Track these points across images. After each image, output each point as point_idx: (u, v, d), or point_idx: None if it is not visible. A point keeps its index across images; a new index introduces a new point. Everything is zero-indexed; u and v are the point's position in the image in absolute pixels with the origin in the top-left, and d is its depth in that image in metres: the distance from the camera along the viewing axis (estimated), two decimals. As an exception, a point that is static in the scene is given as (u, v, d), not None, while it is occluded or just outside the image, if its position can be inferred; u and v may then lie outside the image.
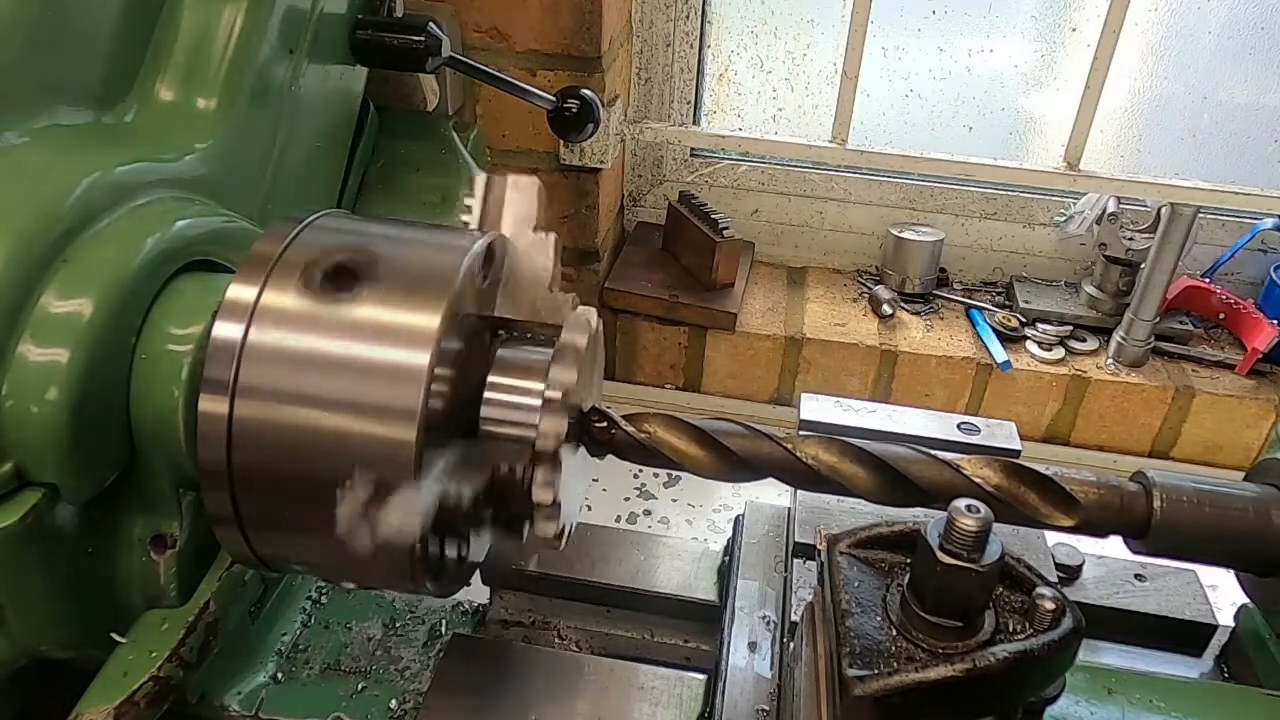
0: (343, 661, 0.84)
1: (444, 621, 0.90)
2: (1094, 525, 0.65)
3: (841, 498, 0.67)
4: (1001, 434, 0.91)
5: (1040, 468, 0.65)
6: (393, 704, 0.81)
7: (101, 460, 0.66)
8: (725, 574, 0.91)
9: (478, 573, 0.85)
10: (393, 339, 0.58)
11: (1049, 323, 1.78)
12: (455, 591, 0.71)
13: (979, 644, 0.54)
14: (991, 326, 1.78)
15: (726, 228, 1.74)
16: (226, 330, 0.59)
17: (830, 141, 1.74)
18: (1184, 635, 0.86)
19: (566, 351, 0.62)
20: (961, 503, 0.53)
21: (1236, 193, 1.62)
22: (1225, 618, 0.87)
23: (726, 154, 1.93)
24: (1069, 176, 1.68)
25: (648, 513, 1.58)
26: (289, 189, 0.97)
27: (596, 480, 1.62)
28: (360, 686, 0.82)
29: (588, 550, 0.93)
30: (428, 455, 0.57)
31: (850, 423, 0.91)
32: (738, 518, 0.96)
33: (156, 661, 0.66)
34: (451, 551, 0.66)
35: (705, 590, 0.91)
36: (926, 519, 0.55)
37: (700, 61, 1.84)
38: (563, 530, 0.64)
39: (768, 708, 0.76)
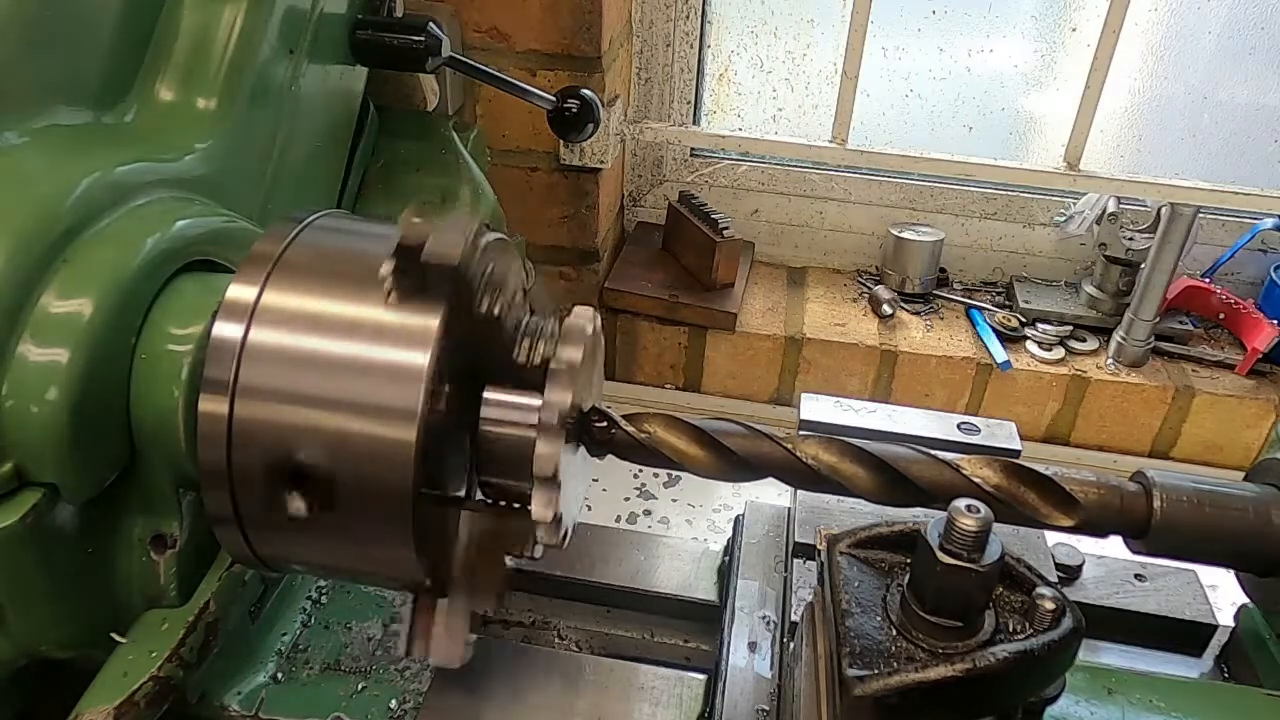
0: (343, 661, 0.84)
1: (444, 621, 0.90)
2: (1094, 525, 0.65)
3: (841, 498, 0.67)
4: (1001, 434, 0.91)
5: (1040, 468, 0.65)
6: (393, 704, 0.81)
7: (101, 460, 0.66)
8: (725, 574, 0.91)
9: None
10: (393, 339, 0.58)
11: (1049, 323, 1.78)
12: (455, 591, 0.71)
13: (979, 644, 0.54)
14: (991, 326, 1.78)
15: (726, 228, 1.74)
16: (226, 330, 0.59)
17: (830, 141, 1.74)
18: (1184, 635, 0.86)
19: (562, 371, 0.61)
20: (961, 503, 0.53)
21: (1236, 193, 1.62)
22: (1225, 618, 0.87)
23: (726, 154, 1.93)
24: (1069, 176, 1.69)
25: (648, 513, 1.58)
26: (289, 189, 0.97)
27: (596, 480, 1.62)
28: (360, 686, 0.82)
29: (588, 550, 0.93)
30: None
31: (850, 423, 0.91)
32: (738, 518, 0.96)
33: (156, 661, 0.66)
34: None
35: (705, 590, 0.91)
36: (926, 519, 0.55)
37: (700, 61, 1.84)
38: (563, 525, 0.64)
39: (768, 708, 0.76)
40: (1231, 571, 0.76)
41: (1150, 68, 1.71)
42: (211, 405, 0.58)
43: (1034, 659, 0.53)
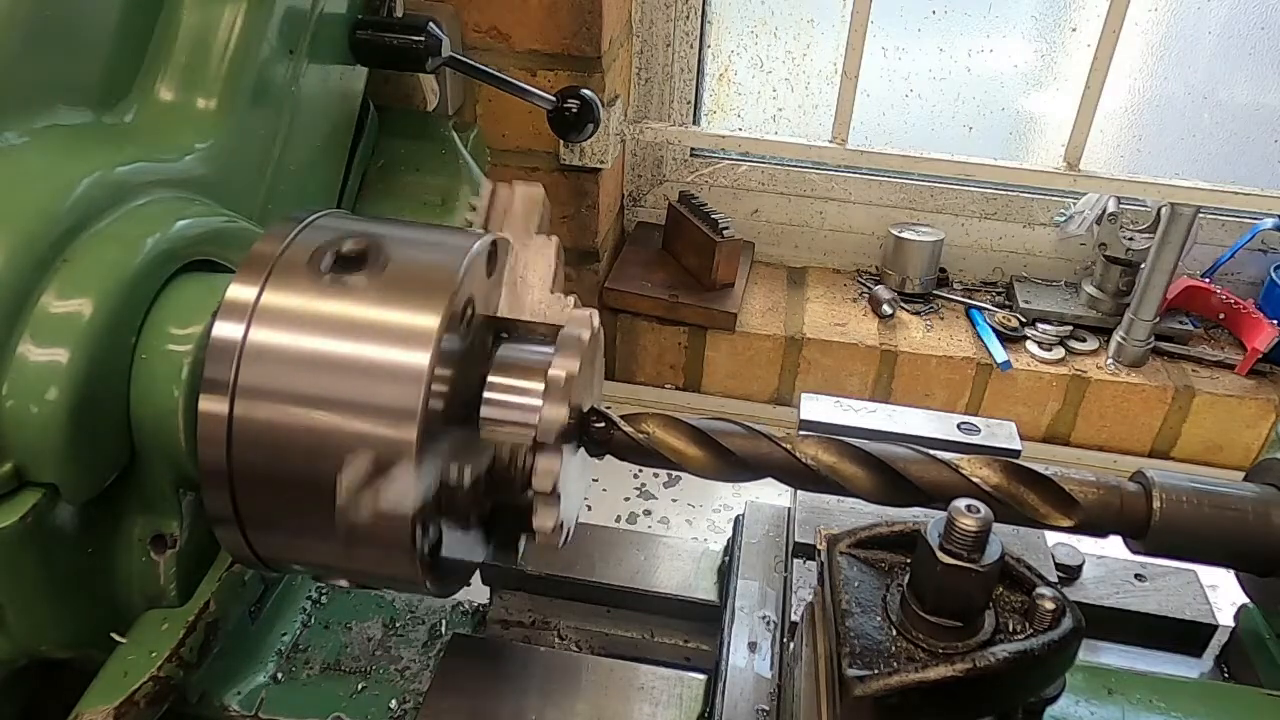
0: (343, 661, 0.84)
1: (444, 621, 0.90)
2: (1093, 525, 0.65)
3: (841, 498, 0.67)
4: (1001, 434, 0.91)
5: (1040, 468, 0.65)
6: (393, 704, 0.81)
7: (101, 460, 0.66)
8: (725, 574, 0.91)
9: (478, 573, 0.85)
10: (393, 338, 0.58)
11: (1049, 323, 1.78)
12: (455, 591, 0.71)
13: (979, 644, 0.54)
14: (991, 326, 1.78)
15: (726, 228, 1.74)
16: (226, 330, 0.59)
17: (830, 141, 1.74)
18: (1184, 635, 0.86)
19: (569, 342, 0.62)
20: (961, 503, 0.53)
21: (1236, 193, 1.62)
22: (1225, 618, 0.87)
23: (726, 154, 1.93)
24: (1069, 176, 1.69)
25: (648, 513, 1.58)
26: (289, 189, 0.97)
27: (596, 480, 1.62)
28: (360, 686, 0.82)
29: (588, 550, 0.93)
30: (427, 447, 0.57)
31: (850, 423, 0.91)
32: (738, 518, 0.96)
33: (156, 661, 0.66)
34: (452, 550, 0.66)
35: (705, 590, 0.91)
36: (926, 519, 0.55)
37: (700, 61, 1.84)
38: (563, 528, 0.64)
39: (768, 708, 0.76)
40: (1231, 571, 0.76)
41: (1150, 68, 1.71)
42: (211, 405, 0.58)
43: (1034, 659, 0.53)
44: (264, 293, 0.59)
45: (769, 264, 1.97)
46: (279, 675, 0.83)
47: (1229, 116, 1.72)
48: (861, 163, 1.75)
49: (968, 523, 0.52)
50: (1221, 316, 1.78)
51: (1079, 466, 0.69)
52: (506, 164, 1.67)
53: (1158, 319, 1.68)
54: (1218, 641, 0.86)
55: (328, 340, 0.58)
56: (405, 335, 0.58)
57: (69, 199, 0.65)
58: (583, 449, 0.68)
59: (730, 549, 0.93)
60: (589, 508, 1.56)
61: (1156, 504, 0.65)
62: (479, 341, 0.65)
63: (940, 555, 0.53)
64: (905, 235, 1.83)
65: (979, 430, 0.91)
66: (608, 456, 0.69)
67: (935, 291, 1.87)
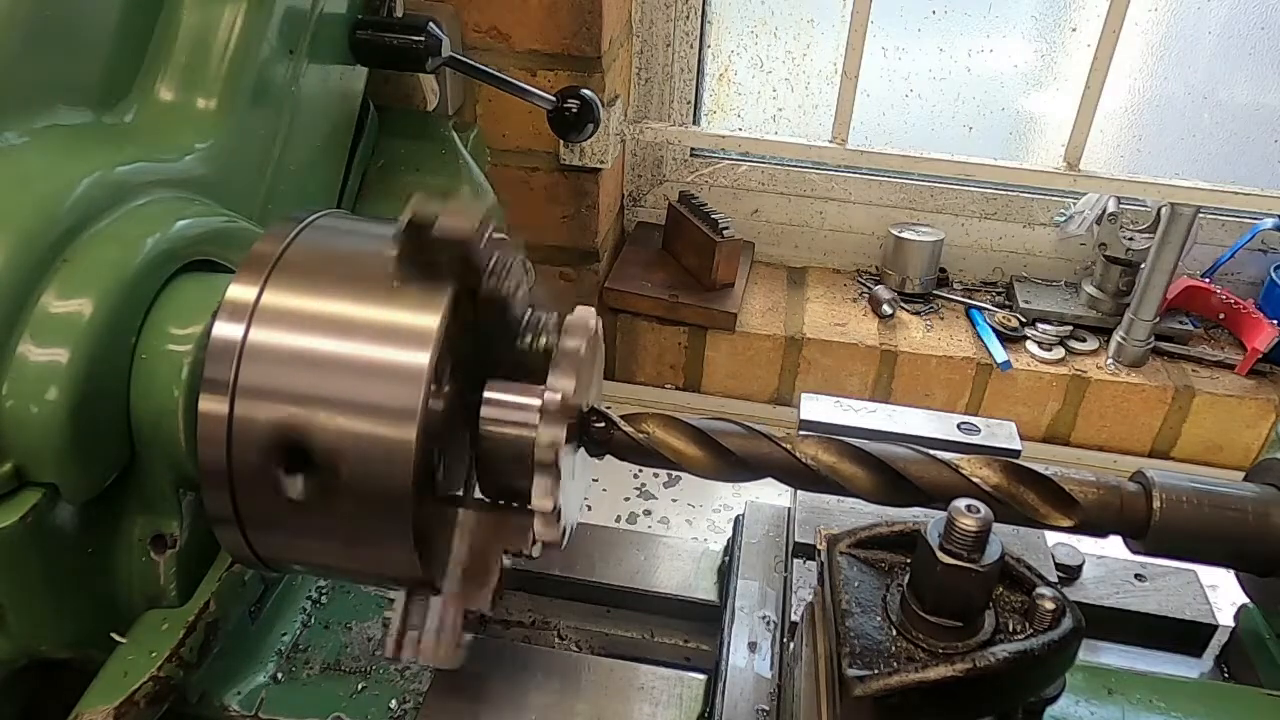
0: (343, 661, 0.84)
1: (444, 621, 0.90)
2: (1093, 525, 0.65)
3: (841, 498, 0.67)
4: (1001, 434, 0.91)
5: (1040, 468, 0.65)
6: (393, 704, 0.81)
7: (101, 460, 0.66)
8: (725, 574, 0.91)
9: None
10: (393, 339, 0.58)
11: (1049, 323, 1.78)
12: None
13: (979, 644, 0.54)
14: (991, 326, 1.78)
15: (726, 228, 1.74)
16: (226, 330, 0.59)
17: (830, 141, 1.74)
18: (1184, 635, 0.86)
19: (565, 359, 0.62)
20: (961, 503, 0.53)
21: (1236, 193, 1.62)
22: (1225, 618, 0.87)
23: (726, 154, 1.93)
24: (1069, 176, 1.69)
25: (648, 513, 1.58)
26: (289, 189, 0.97)
27: (596, 480, 1.62)
28: (360, 686, 0.82)
29: (588, 550, 0.93)
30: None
31: (850, 423, 0.91)
32: (738, 518, 0.96)
33: (156, 661, 0.66)
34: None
35: (705, 590, 0.91)
36: (926, 519, 0.55)
37: (700, 61, 1.84)
38: (563, 531, 0.64)
39: (768, 708, 0.76)
40: (1231, 571, 0.76)
41: (1150, 68, 1.71)
42: (211, 405, 0.58)
43: (1034, 659, 0.53)
44: (264, 293, 0.59)
45: (769, 264, 1.97)
46: (279, 675, 0.83)
47: (1229, 116, 1.72)
48: (861, 163, 1.75)
49: (968, 523, 0.52)
50: (1221, 316, 1.78)
51: (1079, 466, 0.69)
52: (506, 164, 1.67)
53: (1158, 319, 1.68)
54: (1218, 641, 0.86)
55: (328, 340, 0.58)
56: (406, 335, 0.58)
57: (69, 199, 0.65)
58: (583, 449, 0.68)
59: (730, 549, 0.93)
60: (589, 508, 1.56)
61: (1156, 504, 0.65)
62: (480, 341, 0.65)
63: (940, 555, 0.53)
64: (905, 235, 1.83)
65: (979, 430, 0.91)
66: (608, 456, 0.69)
67: (935, 291, 1.87)
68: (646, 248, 1.91)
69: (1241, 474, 0.76)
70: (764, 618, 0.84)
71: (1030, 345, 1.76)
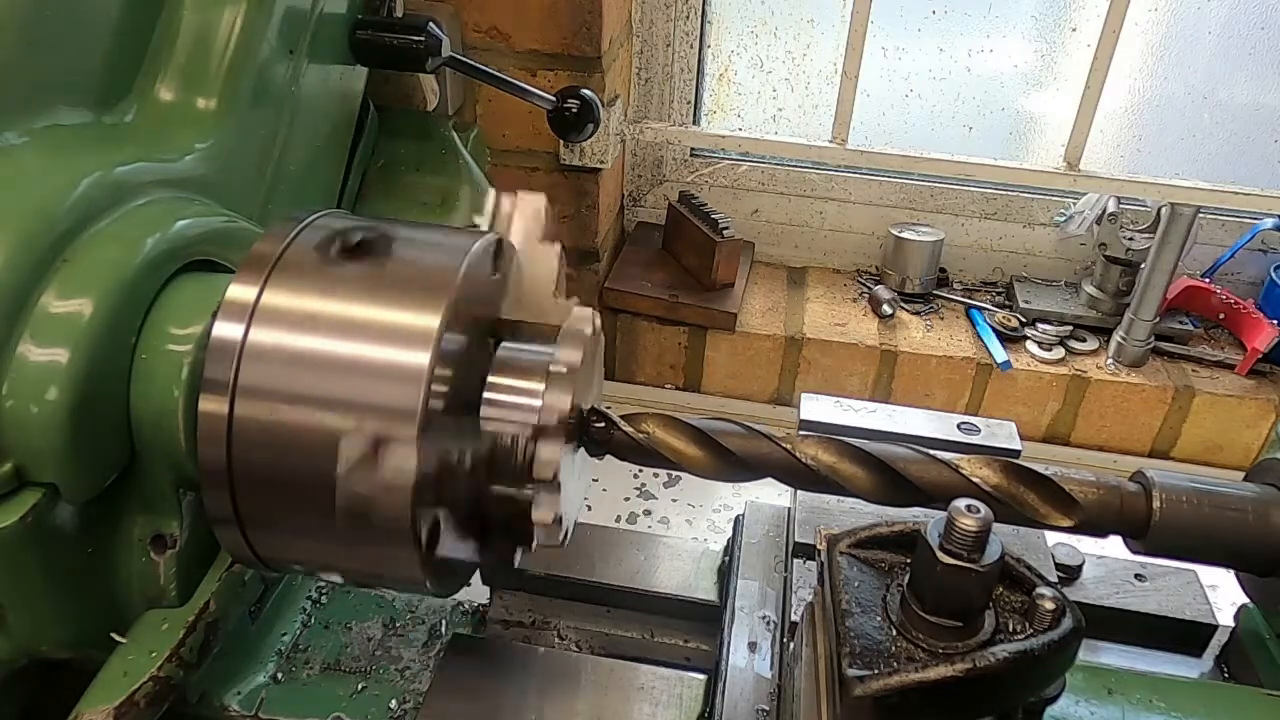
0: (343, 661, 0.85)
1: (444, 621, 0.90)
2: (1093, 525, 0.65)
3: (841, 498, 0.67)
4: (1001, 434, 0.91)
5: (1040, 468, 0.65)
6: (393, 704, 0.81)
7: (101, 460, 0.66)
8: (725, 574, 0.91)
9: (478, 573, 0.85)
10: (393, 338, 0.58)
11: (1049, 323, 1.78)
12: (455, 591, 0.71)
13: (979, 644, 0.54)
14: (991, 326, 1.78)
15: (726, 228, 1.74)
16: (226, 330, 0.59)
17: (830, 141, 1.74)
18: (1184, 635, 0.86)
19: (573, 334, 0.62)
20: (961, 503, 0.53)
21: (1236, 193, 1.62)
22: (1225, 618, 0.87)
23: (726, 154, 1.93)
24: (1069, 176, 1.69)
25: (648, 513, 1.58)
26: (289, 189, 0.97)
27: (596, 480, 1.62)
28: (360, 686, 0.82)
29: (588, 550, 0.93)
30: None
31: (850, 423, 0.91)
32: (738, 518, 0.96)
33: (156, 661, 0.66)
34: (451, 550, 0.66)
35: (705, 590, 0.91)
36: (926, 519, 0.55)
37: (700, 61, 1.84)
38: (563, 529, 0.64)
39: (768, 708, 0.76)
40: (1231, 571, 0.76)
41: (1150, 68, 1.71)
42: (211, 405, 0.58)
43: (1034, 659, 0.53)
44: (264, 293, 0.59)
45: (769, 264, 1.97)
46: (279, 675, 0.83)
47: (1229, 116, 1.72)
48: (861, 163, 1.75)
49: (968, 523, 0.52)
50: (1221, 316, 1.78)
51: (1079, 466, 0.69)
52: (506, 164, 1.67)
53: (1158, 319, 1.68)
54: (1218, 641, 0.86)
55: (328, 340, 0.58)
56: (405, 334, 0.58)
57: (69, 199, 0.65)
58: (583, 449, 0.68)
59: (730, 549, 0.93)
60: (589, 508, 1.56)
61: (1156, 504, 0.65)
62: (480, 340, 0.65)
63: (940, 555, 0.53)
64: (905, 235, 1.83)
65: (979, 430, 0.91)
66: (608, 456, 0.69)
67: (935, 291, 1.87)
68: (646, 248, 1.91)
69: (1241, 474, 0.76)
70: (764, 618, 0.84)
71: (1030, 345, 1.76)
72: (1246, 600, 0.81)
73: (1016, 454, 0.86)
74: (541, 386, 0.62)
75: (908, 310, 1.83)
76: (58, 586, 0.66)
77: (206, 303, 0.66)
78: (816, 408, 0.93)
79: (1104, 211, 1.73)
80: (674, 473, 1.29)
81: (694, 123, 1.90)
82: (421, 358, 0.57)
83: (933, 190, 1.88)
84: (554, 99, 1.30)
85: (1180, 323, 1.77)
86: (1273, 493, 0.68)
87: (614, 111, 1.65)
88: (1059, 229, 1.84)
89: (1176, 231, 1.58)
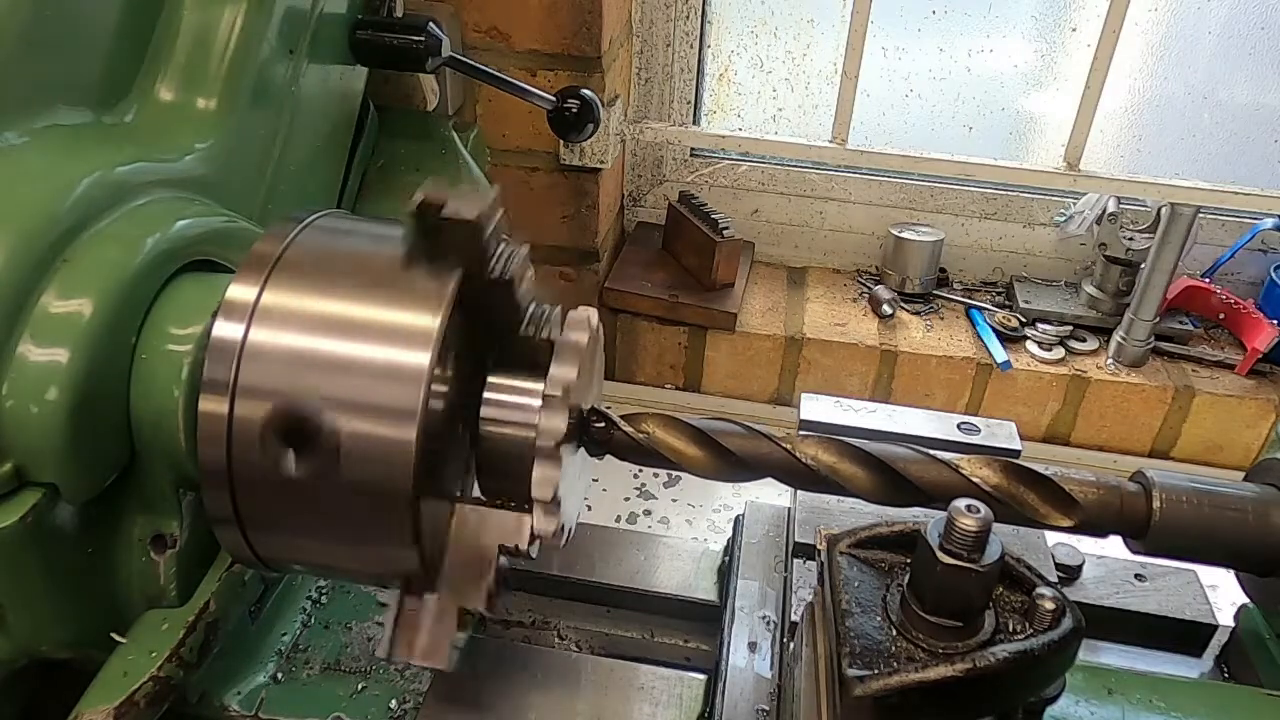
0: (343, 661, 0.84)
1: (444, 621, 0.90)
2: (1093, 525, 0.65)
3: (841, 498, 0.67)
4: (1001, 434, 0.91)
5: (1040, 468, 0.65)
6: (393, 704, 0.81)
7: (101, 460, 0.66)
8: (725, 574, 0.91)
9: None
10: (393, 339, 0.58)
11: (1049, 323, 1.78)
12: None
13: (979, 644, 0.54)
14: (991, 326, 1.78)
15: (726, 228, 1.74)
16: (226, 330, 0.59)
17: (830, 141, 1.74)
18: (1184, 635, 0.86)
19: (567, 350, 0.62)
20: (961, 503, 0.53)
21: (1236, 193, 1.62)
22: (1225, 618, 0.87)
23: (726, 154, 1.93)
24: (1069, 176, 1.69)
25: (648, 513, 1.58)
26: (289, 189, 0.97)
27: (596, 480, 1.62)
28: (360, 686, 0.82)
29: (588, 550, 0.93)
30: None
31: (850, 423, 0.91)
32: (738, 518, 0.96)
33: (156, 661, 0.66)
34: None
35: (705, 590, 0.91)
36: (926, 519, 0.55)
37: (700, 61, 1.84)
38: (563, 529, 0.64)
39: (768, 708, 0.76)
40: (1231, 571, 0.76)
41: (1150, 68, 1.71)
42: (211, 405, 0.58)
43: (1034, 659, 0.53)
44: (264, 293, 0.59)
45: (769, 264, 1.97)
46: (279, 675, 0.83)
47: (1229, 116, 1.72)
48: (861, 163, 1.75)
49: (968, 523, 0.52)
50: (1221, 316, 1.78)
51: (1079, 466, 0.69)
52: (506, 164, 1.67)
53: (1158, 319, 1.68)
54: (1218, 641, 0.86)
55: (328, 340, 0.58)
56: (406, 335, 0.58)
57: (69, 199, 0.65)
58: (583, 449, 0.68)
59: (730, 549, 0.93)
60: (589, 508, 1.56)
61: (1156, 504, 0.65)
62: (482, 331, 0.65)
63: (940, 555, 0.53)
64: (905, 235, 1.83)
65: (979, 430, 0.91)
66: (608, 456, 0.69)
67: (935, 291, 1.87)
68: (646, 248, 1.91)
69: (1241, 474, 0.76)
70: (764, 618, 0.84)
71: (1030, 345, 1.76)
72: (1246, 600, 0.81)
73: (1016, 454, 0.86)
74: (541, 385, 0.62)
75: (908, 310, 1.83)
76: (58, 586, 0.66)
77: (206, 303, 0.66)
78: (816, 408, 0.93)
79: (1104, 211, 1.73)
80: (674, 473, 1.29)
81: (694, 123, 1.90)
82: (422, 358, 0.57)
83: (933, 190, 1.88)
84: (554, 99, 1.30)
85: (1180, 323, 1.77)
86: (1273, 493, 0.68)
87: (614, 111, 1.65)
88: (1059, 229, 1.84)
89: (1176, 231, 1.58)
